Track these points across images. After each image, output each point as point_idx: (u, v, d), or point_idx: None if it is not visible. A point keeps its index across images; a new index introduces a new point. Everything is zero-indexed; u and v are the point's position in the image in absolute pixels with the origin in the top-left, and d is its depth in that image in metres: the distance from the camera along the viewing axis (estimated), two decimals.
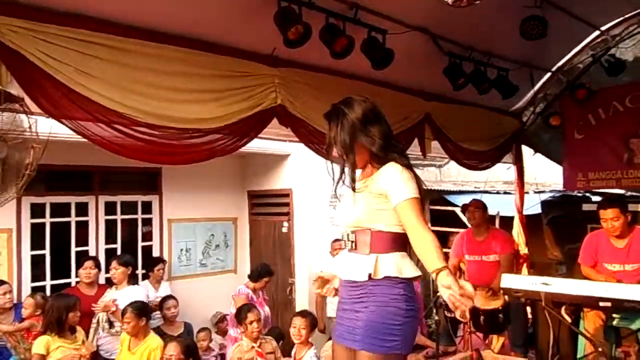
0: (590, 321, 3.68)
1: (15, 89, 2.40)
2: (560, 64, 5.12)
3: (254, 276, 4.95)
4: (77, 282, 4.69)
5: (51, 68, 2.42)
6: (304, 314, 3.73)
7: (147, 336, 3.71)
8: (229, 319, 4.76)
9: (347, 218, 2.06)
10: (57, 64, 2.43)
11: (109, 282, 4.63)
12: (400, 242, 1.99)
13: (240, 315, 3.77)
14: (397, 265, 1.95)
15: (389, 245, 1.97)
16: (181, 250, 5.99)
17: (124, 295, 4.21)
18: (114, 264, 4.36)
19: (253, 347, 3.63)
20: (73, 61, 2.49)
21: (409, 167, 2.00)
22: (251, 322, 3.67)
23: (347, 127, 2.00)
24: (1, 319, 4.09)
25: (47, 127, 2.63)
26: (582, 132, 5.32)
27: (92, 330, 4.19)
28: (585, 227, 4.89)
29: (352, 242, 2.03)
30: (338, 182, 2.07)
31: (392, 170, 1.96)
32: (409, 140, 4.33)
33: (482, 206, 4.67)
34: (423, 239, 1.84)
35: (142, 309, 3.72)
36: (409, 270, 1.96)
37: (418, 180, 2.00)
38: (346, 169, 2.06)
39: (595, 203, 4.96)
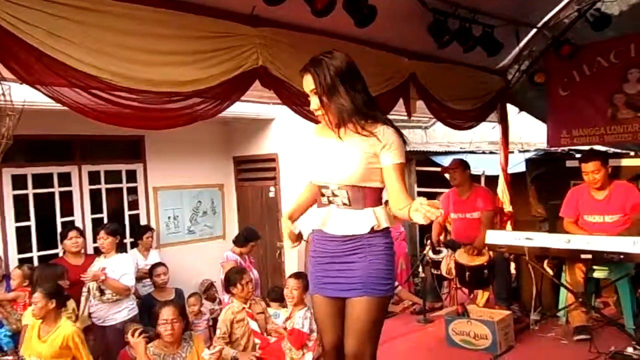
0: (572, 273, 3.78)
1: None
2: (545, 19, 5.06)
3: (240, 241, 4.97)
4: (63, 253, 4.66)
5: (21, 32, 2.33)
6: (297, 275, 3.78)
7: (59, 322, 3.29)
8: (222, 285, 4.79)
9: (339, 174, 2.02)
10: (28, 27, 2.34)
11: (97, 252, 4.62)
12: (381, 196, 2.12)
13: (230, 279, 3.80)
14: (387, 217, 2.07)
15: (378, 200, 2.08)
16: (169, 217, 5.98)
17: (112, 263, 4.21)
18: (101, 233, 4.34)
19: (244, 308, 3.68)
20: (45, 24, 2.40)
21: (399, 130, 2.05)
22: (245, 284, 3.71)
23: (332, 74, 1.96)
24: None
25: (23, 95, 2.56)
26: (566, 89, 5.32)
27: (83, 299, 4.21)
28: (568, 184, 4.95)
29: (346, 198, 2.02)
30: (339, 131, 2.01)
31: (390, 133, 2.00)
32: (394, 100, 4.30)
33: (460, 165, 4.70)
34: (404, 201, 1.93)
35: (53, 291, 3.31)
36: (392, 220, 2.11)
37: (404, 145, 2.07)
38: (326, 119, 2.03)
39: (578, 159, 5.03)
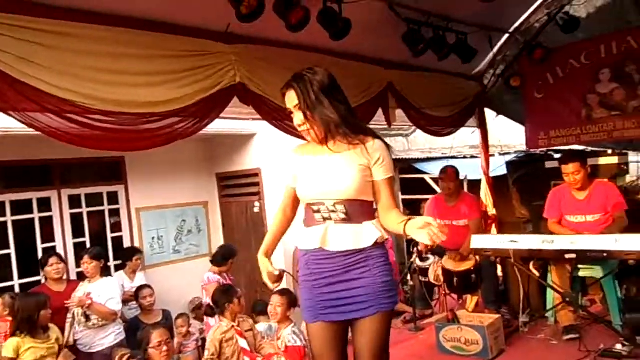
0: (557, 274, 3.81)
1: None
2: (517, 24, 5.16)
3: (218, 260, 4.90)
4: (44, 280, 4.56)
5: None
6: (281, 292, 3.74)
7: None
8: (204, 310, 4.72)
9: (335, 189, 1.96)
10: None
11: (81, 277, 4.53)
12: (373, 209, 2.10)
13: (219, 301, 3.73)
14: (382, 229, 2.05)
15: (372, 213, 2.06)
16: (153, 238, 5.90)
17: (97, 288, 4.14)
18: (85, 258, 4.26)
19: (233, 326, 3.63)
20: (15, 49, 2.37)
21: (386, 143, 2.06)
22: (239, 298, 3.68)
23: (316, 89, 1.94)
24: None
25: None
26: (541, 92, 5.41)
27: (67, 326, 4.11)
28: (549, 184, 5.02)
29: (344, 213, 1.96)
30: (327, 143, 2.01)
31: (380, 146, 2.00)
32: (373, 110, 4.32)
33: (455, 176, 4.71)
34: (397, 216, 1.98)
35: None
36: (384, 233, 2.07)
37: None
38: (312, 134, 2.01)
39: (557, 160, 5.10)
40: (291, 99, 1.99)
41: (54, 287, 4.35)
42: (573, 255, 3.50)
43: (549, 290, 3.98)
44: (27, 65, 2.39)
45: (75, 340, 4.11)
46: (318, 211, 2.00)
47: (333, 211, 1.98)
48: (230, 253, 4.96)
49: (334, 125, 1.96)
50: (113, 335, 4.18)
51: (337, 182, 1.97)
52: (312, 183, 2.03)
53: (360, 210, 2.00)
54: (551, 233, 3.98)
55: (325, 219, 2.00)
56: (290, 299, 3.66)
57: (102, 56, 2.69)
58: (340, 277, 1.99)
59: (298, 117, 2.00)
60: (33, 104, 2.41)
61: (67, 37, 2.55)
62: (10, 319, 3.69)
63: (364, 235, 1.99)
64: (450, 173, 4.73)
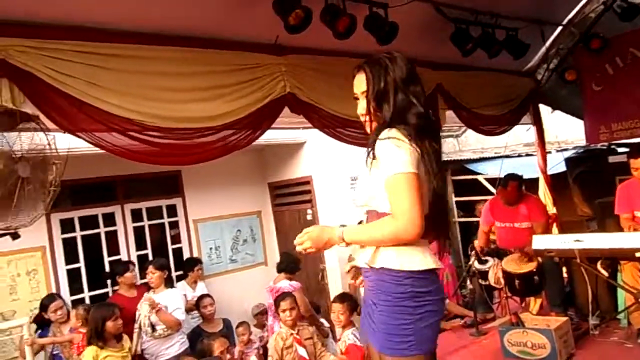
0: (628, 273, 3.63)
1: (30, 108, 2.45)
2: (570, 15, 4.97)
3: (291, 268, 4.90)
4: (117, 288, 4.77)
5: (61, 83, 2.46)
6: (342, 298, 3.75)
7: None
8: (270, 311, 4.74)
9: (359, 197, 1.81)
10: (66, 78, 2.48)
11: (147, 288, 4.71)
12: None
13: (275, 304, 3.83)
14: (398, 255, 1.66)
15: None
16: (210, 248, 6.07)
17: (163, 298, 4.27)
18: (150, 268, 4.41)
19: (292, 334, 3.68)
20: (81, 74, 2.53)
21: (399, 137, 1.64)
22: (284, 311, 3.71)
23: (389, 79, 1.70)
24: (62, 328, 4.22)
25: (66, 143, 2.68)
26: (600, 84, 5.18)
27: (135, 335, 4.27)
28: (613, 180, 4.78)
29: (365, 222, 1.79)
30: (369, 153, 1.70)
31: (381, 144, 1.65)
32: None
33: (516, 189, 4.48)
34: (382, 228, 1.65)
35: None
36: (416, 262, 1.66)
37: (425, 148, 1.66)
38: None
39: (621, 154, 4.85)
40: (359, 84, 1.78)
41: (127, 293, 4.55)
42: None
43: (619, 290, 3.78)
44: (93, 88, 2.55)
45: (142, 350, 4.27)
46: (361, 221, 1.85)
47: (361, 221, 1.83)
48: (299, 261, 4.98)
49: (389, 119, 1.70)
50: (178, 344, 4.30)
51: (360, 188, 1.82)
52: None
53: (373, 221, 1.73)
54: (621, 230, 3.79)
55: None
56: (351, 305, 3.66)
57: (159, 75, 2.83)
58: (367, 295, 1.77)
59: (361, 106, 1.78)
60: (99, 124, 2.56)
61: (127, 59, 2.70)
62: (84, 330, 3.90)
63: (364, 253, 1.74)
64: (512, 186, 4.45)
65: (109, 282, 5.19)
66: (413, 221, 1.58)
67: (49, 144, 2.51)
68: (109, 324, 3.57)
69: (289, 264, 4.91)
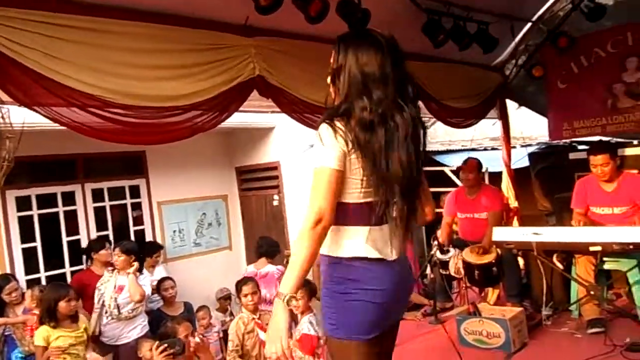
0: (582, 266, 3.74)
1: None
2: (540, 12, 5.05)
3: (273, 252, 4.87)
4: (90, 264, 4.60)
5: (17, 54, 2.34)
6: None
7: None
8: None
9: None
10: (22, 49, 2.35)
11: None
12: (348, 214, 1.66)
13: (237, 288, 3.81)
14: (331, 241, 1.67)
15: (342, 217, 1.66)
16: (174, 231, 5.98)
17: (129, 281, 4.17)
18: (116, 250, 4.28)
19: (253, 318, 3.67)
20: (39, 45, 2.41)
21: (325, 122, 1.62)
22: (245, 295, 3.70)
23: (350, 54, 1.68)
24: (15, 308, 4.11)
25: (21, 116, 2.56)
26: (565, 82, 5.30)
27: (95, 316, 4.13)
28: (572, 176, 4.92)
29: None
30: None
31: (318, 130, 1.65)
32: None
33: (476, 168, 4.65)
34: (298, 242, 1.60)
35: None
36: (343, 249, 1.67)
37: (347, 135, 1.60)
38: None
39: (581, 151, 5.00)
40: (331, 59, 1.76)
41: (99, 271, 4.44)
42: (598, 248, 3.42)
43: (573, 283, 3.91)
44: (52, 61, 2.43)
45: (100, 332, 4.17)
46: None
47: None
48: (277, 244, 4.95)
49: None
50: (140, 327, 4.24)
51: None
52: None
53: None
54: (575, 225, 3.91)
55: None
56: (310, 289, 3.66)
57: (123, 50, 2.72)
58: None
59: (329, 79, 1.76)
60: (58, 98, 2.45)
61: (89, 32, 2.58)
62: (37, 312, 3.79)
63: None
64: (471, 163, 4.68)
65: (67, 263, 5.05)
66: (316, 212, 1.57)
67: (2, 117, 2.40)
68: (62, 305, 3.47)
69: (269, 247, 4.88)
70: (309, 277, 4.52)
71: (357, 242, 1.67)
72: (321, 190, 1.59)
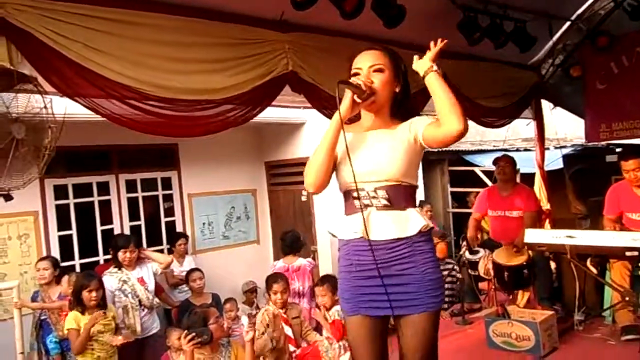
0: (617, 272, 3.66)
1: (28, 69, 2.41)
2: (580, 11, 4.92)
3: (299, 247, 4.90)
4: (106, 260, 4.73)
5: (61, 46, 2.42)
6: (322, 280, 3.80)
7: None
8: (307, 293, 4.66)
9: (377, 171, 1.84)
10: (66, 42, 2.43)
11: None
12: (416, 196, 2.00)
13: (267, 284, 3.84)
14: (426, 217, 1.93)
15: (414, 199, 1.94)
16: (203, 224, 6.06)
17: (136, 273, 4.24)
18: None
19: (279, 313, 3.69)
20: (82, 37, 2.48)
21: None
22: (275, 293, 3.72)
23: (397, 65, 1.97)
24: (50, 292, 4.16)
25: (63, 107, 2.65)
26: (604, 82, 5.16)
27: (134, 315, 4.07)
28: (609, 179, 4.81)
29: (385, 198, 1.83)
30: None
31: (422, 117, 1.93)
32: (423, 100, 4.23)
33: (512, 162, 4.67)
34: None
35: None
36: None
37: None
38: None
39: (619, 154, 4.86)
40: (373, 58, 1.93)
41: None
42: (635, 253, 3.32)
43: (607, 288, 3.82)
44: (93, 52, 2.50)
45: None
46: (357, 197, 1.85)
47: (374, 197, 1.84)
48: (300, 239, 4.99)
49: (397, 103, 1.96)
50: (158, 321, 4.33)
51: (378, 163, 1.86)
52: (347, 166, 1.85)
53: (403, 195, 1.86)
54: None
55: (366, 206, 1.85)
56: (332, 284, 3.66)
57: (161, 44, 2.78)
58: (384, 271, 1.83)
59: (373, 76, 1.91)
60: (98, 89, 2.52)
61: (129, 25, 2.65)
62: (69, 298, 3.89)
63: (409, 222, 1.85)
64: (506, 158, 4.70)
65: (100, 251, 5.19)
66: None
67: (45, 107, 2.49)
68: (85, 294, 3.53)
69: (293, 242, 4.86)
70: (333, 273, 4.53)
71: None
72: None
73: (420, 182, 2.08)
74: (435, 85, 1.83)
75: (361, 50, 1.98)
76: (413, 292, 1.84)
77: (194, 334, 3.04)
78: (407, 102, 1.99)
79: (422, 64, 1.90)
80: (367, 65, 1.92)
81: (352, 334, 1.95)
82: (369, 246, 1.83)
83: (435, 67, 1.86)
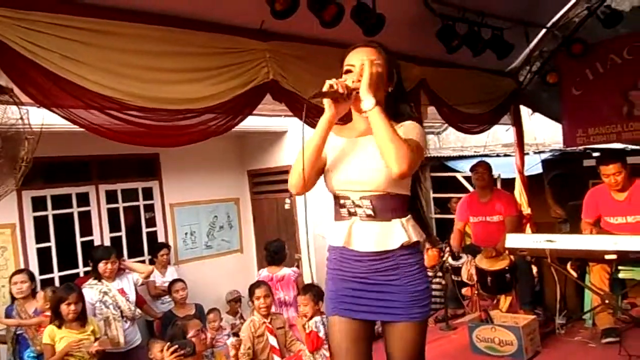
0: (596, 275, 3.70)
1: (4, 80, 2.37)
2: (555, 19, 5.03)
3: (283, 257, 4.88)
4: (86, 272, 4.66)
5: (37, 56, 2.39)
6: (304, 289, 3.79)
7: None
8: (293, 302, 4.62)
9: (360, 179, 1.78)
10: (42, 52, 2.40)
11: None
12: (408, 205, 1.89)
13: (249, 292, 3.82)
14: (416, 228, 1.85)
15: (404, 209, 1.84)
16: (186, 233, 6.01)
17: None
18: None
19: (264, 322, 3.67)
20: (58, 47, 2.45)
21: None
22: (258, 298, 3.71)
23: (390, 63, 1.85)
24: (26, 307, 4.05)
25: (40, 118, 2.61)
26: (580, 88, 5.26)
27: (117, 326, 4.03)
28: (587, 183, 4.89)
29: (369, 208, 1.77)
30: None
31: (415, 125, 1.82)
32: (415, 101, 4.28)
33: (488, 168, 4.69)
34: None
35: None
36: (421, 232, 1.88)
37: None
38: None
39: (596, 158, 4.95)
40: (368, 54, 1.81)
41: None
42: (614, 256, 3.39)
43: (587, 291, 3.87)
44: (70, 63, 2.47)
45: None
46: (343, 205, 1.83)
47: (359, 206, 1.79)
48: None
49: (390, 104, 1.83)
50: (139, 333, 4.27)
51: (363, 171, 1.78)
52: (338, 171, 1.83)
53: (390, 205, 1.79)
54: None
55: (350, 214, 1.82)
56: (315, 293, 3.65)
57: (141, 53, 2.76)
58: (369, 279, 1.82)
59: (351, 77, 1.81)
60: (76, 100, 2.49)
61: (107, 35, 2.63)
62: (48, 314, 3.80)
63: (391, 236, 1.79)
64: (483, 164, 4.71)
65: (80, 263, 5.10)
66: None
67: (21, 118, 2.44)
68: (63, 307, 3.46)
69: (275, 254, 4.83)
70: (315, 280, 4.51)
71: (416, 227, 1.89)
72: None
73: None
74: (377, 120, 1.70)
75: (356, 46, 1.87)
76: (396, 301, 1.81)
77: (176, 346, 3.00)
78: (402, 103, 1.89)
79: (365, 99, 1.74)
80: (354, 63, 1.82)
81: (333, 334, 1.92)
82: (352, 256, 1.83)
83: (374, 102, 1.71)
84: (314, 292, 3.65)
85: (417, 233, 1.84)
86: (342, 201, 1.84)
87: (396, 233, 1.79)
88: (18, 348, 4.05)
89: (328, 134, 1.82)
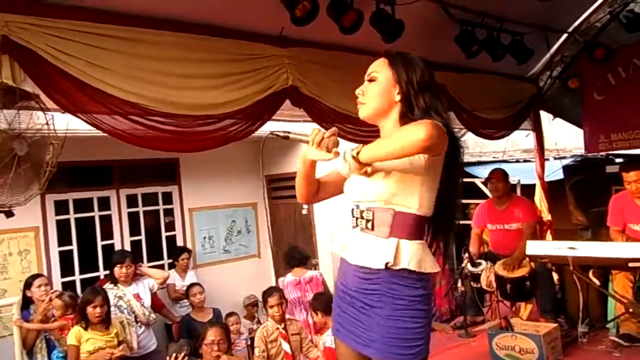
0: (620, 283, 3.64)
1: (30, 86, 2.43)
2: (576, 24, 4.98)
3: (305, 260, 4.87)
4: (106, 275, 4.71)
5: (63, 63, 2.44)
6: (313, 305, 3.77)
7: None
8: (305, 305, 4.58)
9: (365, 192, 1.67)
10: (68, 59, 2.46)
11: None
12: (422, 229, 1.68)
13: (263, 299, 3.82)
14: (419, 256, 1.62)
15: (412, 231, 1.63)
16: (204, 238, 6.05)
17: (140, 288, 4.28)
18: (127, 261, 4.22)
19: (277, 328, 3.67)
20: (84, 54, 2.51)
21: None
22: (272, 307, 3.70)
23: (406, 70, 1.69)
24: (46, 310, 4.01)
25: (64, 123, 2.66)
26: (602, 93, 5.20)
27: (131, 331, 3.98)
28: (609, 189, 4.80)
29: (369, 220, 1.66)
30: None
31: (424, 120, 1.57)
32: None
33: (503, 177, 4.58)
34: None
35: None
36: (430, 264, 1.64)
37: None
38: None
39: (619, 164, 4.87)
40: (371, 67, 1.75)
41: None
42: (638, 264, 3.32)
43: (610, 300, 3.80)
44: (95, 70, 2.53)
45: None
46: (353, 214, 1.75)
47: (362, 217, 1.69)
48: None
49: (405, 110, 1.68)
50: (155, 338, 4.29)
51: (370, 182, 1.64)
52: (352, 181, 1.75)
53: (393, 222, 1.62)
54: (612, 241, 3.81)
55: (357, 224, 1.73)
56: (323, 302, 3.62)
57: (163, 60, 2.81)
58: (357, 299, 1.68)
59: (367, 87, 1.75)
60: (100, 106, 2.54)
61: (131, 42, 2.68)
62: (71, 316, 3.85)
63: (376, 252, 1.62)
64: (498, 172, 4.62)
65: (101, 267, 5.17)
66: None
67: (47, 124, 2.50)
68: (89, 309, 3.52)
69: (302, 257, 4.82)
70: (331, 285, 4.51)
71: (431, 256, 1.69)
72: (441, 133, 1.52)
73: None
74: (373, 157, 1.55)
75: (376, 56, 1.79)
76: (374, 333, 1.63)
77: (174, 354, 3.11)
78: (417, 105, 1.68)
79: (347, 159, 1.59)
80: (367, 77, 1.76)
81: (337, 355, 1.85)
82: (348, 268, 1.74)
83: (348, 167, 1.59)
84: (322, 300, 3.63)
85: (415, 261, 1.60)
86: (352, 210, 1.76)
87: (383, 252, 1.61)
88: (47, 349, 4.07)
89: (312, 169, 1.82)
